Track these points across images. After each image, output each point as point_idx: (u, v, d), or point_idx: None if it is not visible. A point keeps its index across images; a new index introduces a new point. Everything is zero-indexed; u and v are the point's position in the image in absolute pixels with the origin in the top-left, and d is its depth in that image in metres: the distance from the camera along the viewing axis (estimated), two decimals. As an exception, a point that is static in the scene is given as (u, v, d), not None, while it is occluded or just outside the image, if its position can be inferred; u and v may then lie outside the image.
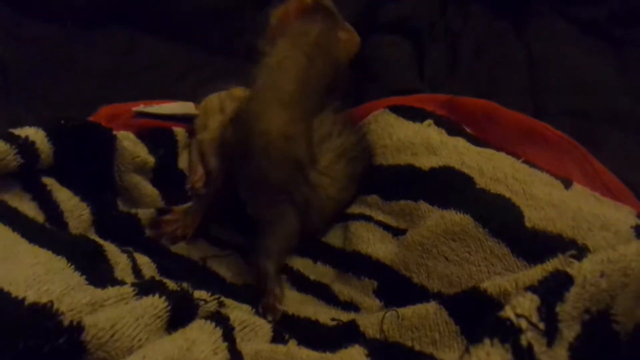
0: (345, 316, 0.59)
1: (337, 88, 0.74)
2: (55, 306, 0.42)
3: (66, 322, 0.42)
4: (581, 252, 0.44)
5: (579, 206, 0.56)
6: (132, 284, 0.51)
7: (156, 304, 0.47)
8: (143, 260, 0.67)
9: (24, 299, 0.42)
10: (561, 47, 1.15)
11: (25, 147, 0.62)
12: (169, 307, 0.48)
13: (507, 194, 0.61)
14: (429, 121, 0.78)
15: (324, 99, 0.73)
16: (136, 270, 0.65)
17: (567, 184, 0.65)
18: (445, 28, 1.22)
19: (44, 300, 0.42)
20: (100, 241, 0.65)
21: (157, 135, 0.82)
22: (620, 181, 0.73)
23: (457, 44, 1.18)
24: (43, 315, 0.41)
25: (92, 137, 0.72)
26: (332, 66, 0.71)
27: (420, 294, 0.58)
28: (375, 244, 0.67)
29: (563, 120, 0.92)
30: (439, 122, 0.78)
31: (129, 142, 0.75)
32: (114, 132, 0.74)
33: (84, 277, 0.50)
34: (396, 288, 0.62)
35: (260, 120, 0.65)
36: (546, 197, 0.59)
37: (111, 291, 0.48)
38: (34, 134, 0.63)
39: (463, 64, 1.13)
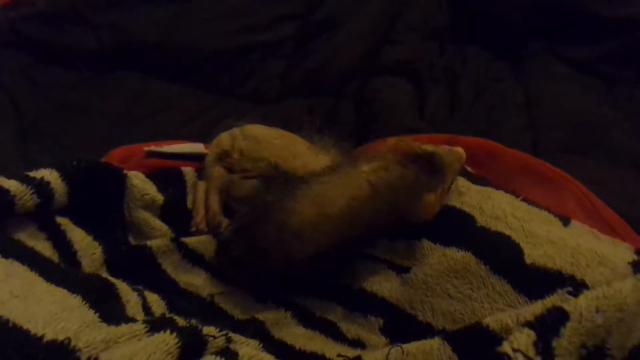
0: (351, 353, 0.60)
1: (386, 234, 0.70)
2: (73, 343, 0.44)
3: (84, 359, 0.43)
4: (578, 288, 0.45)
5: (578, 243, 0.58)
6: (144, 321, 0.53)
7: (167, 340, 0.49)
8: (153, 298, 0.68)
9: (42, 336, 0.44)
10: (558, 86, 1.18)
11: (41, 187, 0.64)
12: (179, 344, 0.50)
13: (507, 232, 0.62)
14: (431, 160, 0.80)
15: (371, 238, 0.69)
16: (146, 307, 0.66)
17: (565, 221, 0.67)
18: (444, 69, 1.27)
19: (61, 337, 0.44)
20: (112, 279, 0.67)
21: (166, 176, 0.85)
22: (620, 217, 0.75)
23: (456, 85, 1.21)
24: (61, 351, 0.43)
25: (104, 177, 0.75)
26: (394, 213, 0.66)
27: (425, 332, 0.59)
28: (380, 282, 0.68)
29: (561, 157, 0.94)
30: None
31: (138, 180, 0.77)
32: (125, 172, 0.77)
33: (98, 314, 0.52)
34: (402, 326, 0.63)
35: (285, 230, 0.62)
36: (545, 234, 0.61)
37: (124, 328, 0.49)
38: (49, 174, 0.66)
39: (462, 104, 1.16)
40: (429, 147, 0.66)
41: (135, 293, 0.67)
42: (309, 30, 1.25)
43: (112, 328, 0.48)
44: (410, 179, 0.64)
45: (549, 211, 0.68)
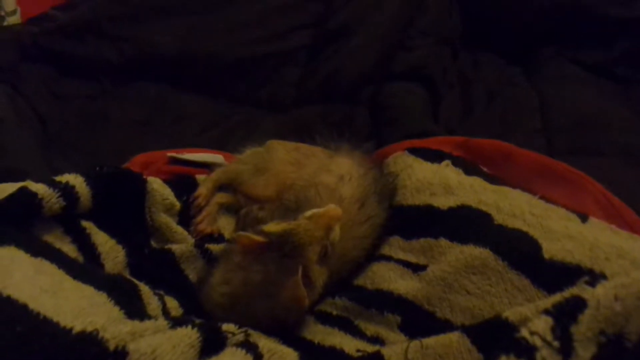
0: (370, 348, 0.61)
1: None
2: (101, 334, 0.45)
3: (112, 347, 0.45)
4: (595, 279, 0.46)
5: (596, 237, 0.58)
6: (166, 318, 0.54)
7: (190, 334, 0.50)
8: (173, 304, 0.70)
9: (71, 328, 0.45)
10: (571, 89, 1.19)
11: (67, 191, 0.66)
12: (200, 338, 0.51)
13: (525, 228, 0.63)
14: (446, 162, 0.81)
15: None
16: (165, 311, 0.68)
17: (583, 218, 0.67)
18: (458, 74, 1.28)
19: (89, 329, 0.45)
20: (135, 281, 0.68)
21: (182, 183, 0.86)
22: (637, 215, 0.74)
23: (469, 89, 1.22)
24: (90, 342, 0.45)
25: (125, 182, 0.76)
26: (268, 312, 0.62)
27: (444, 328, 0.59)
28: (396, 281, 0.69)
29: (576, 159, 0.94)
30: (456, 162, 0.81)
31: (158, 185, 0.79)
32: (145, 177, 0.78)
33: (123, 311, 0.54)
34: (420, 323, 0.63)
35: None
36: (563, 229, 0.61)
37: (148, 323, 0.51)
38: (74, 179, 0.68)
39: (476, 108, 1.17)
40: (275, 228, 0.61)
41: (156, 297, 0.68)
42: (323, 38, 1.28)
43: (137, 322, 0.50)
44: (255, 281, 0.61)
45: (567, 208, 0.68)
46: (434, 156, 0.83)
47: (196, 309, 0.70)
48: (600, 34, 1.28)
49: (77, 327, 0.45)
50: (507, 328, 0.46)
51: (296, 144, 0.87)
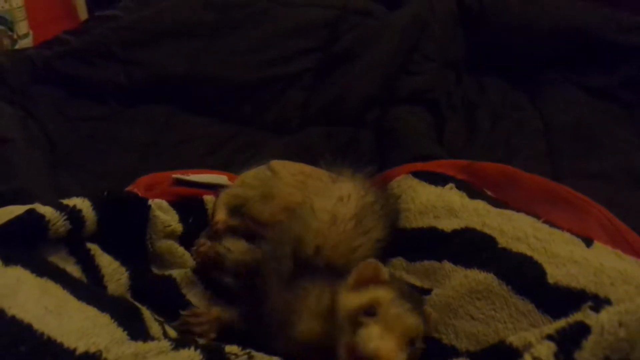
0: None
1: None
2: (104, 355, 0.45)
3: None
4: (599, 304, 0.45)
5: (601, 262, 0.58)
6: (169, 340, 0.54)
7: (192, 356, 0.50)
8: (173, 333, 0.69)
9: (75, 349, 0.46)
10: (575, 113, 1.19)
11: (73, 214, 0.67)
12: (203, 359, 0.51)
13: (529, 252, 0.62)
14: (450, 185, 0.81)
15: None
16: (166, 335, 0.67)
17: (588, 242, 0.66)
18: (462, 98, 1.28)
19: (92, 350, 0.46)
20: (137, 304, 0.68)
21: (189, 204, 0.87)
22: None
23: (474, 113, 1.23)
24: None
25: (130, 207, 0.77)
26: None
27: (450, 354, 0.58)
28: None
29: (581, 183, 0.94)
30: (460, 186, 0.81)
31: (160, 212, 0.80)
32: (149, 202, 0.79)
33: (126, 332, 0.54)
34: (427, 349, 0.62)
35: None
36: (568, 254, 0.61)
37: (152, 345, 0.51)
38: (81, 203, 0.69)
39: (480, 131, 1.17)
40: None
41: (157, 323, 0.68)
42: (329, 62, 1.30)
43: (140, 344, 0.50)
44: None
45: (572, 232, 0.67)
46: (438, 179, 0.83)
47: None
48: (605, 59, 1.29)
49: (81, 348, 0.46)
50: (511, 353, 0.46)
51: (300, 166, 0.88)
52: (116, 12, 1.46)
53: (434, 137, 1.14)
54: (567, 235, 0.67)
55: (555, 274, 0.57)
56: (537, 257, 0.61)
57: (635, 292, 0.52)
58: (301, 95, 1.28)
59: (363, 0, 1.38)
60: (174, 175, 0.90)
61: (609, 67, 1.28)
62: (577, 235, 0.68)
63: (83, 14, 2.14)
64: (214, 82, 1.29)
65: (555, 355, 0.39)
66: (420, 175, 0.85)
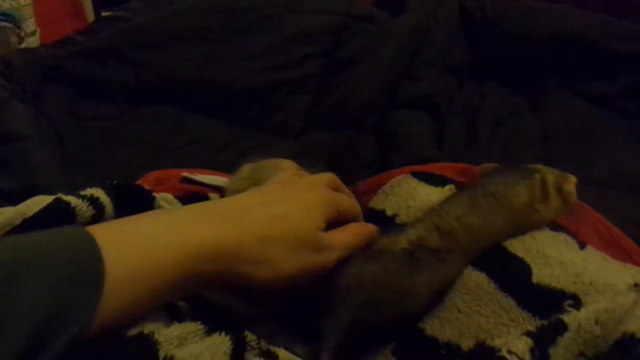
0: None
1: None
2: (155, 336, 0.47)
3: (161, 356, 0.46)
4: (579, 303, 0.48)
5: (585, 264, 0.60)
6: (201, 322, 0.55)
7: (224, 342, 0.51)
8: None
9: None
10: (574, 120, 1.21)
11: (93, 200, 0.70)
12: (232, 346, 0.52)
13: (521, 253, 0.65)
14: (450, 186, 0.83)
15: None
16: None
17: (582, 245, 0.68)
18: (463, 103, 1.31)
19: (146, 331, 0.47)
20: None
21: (194, 200, 0.89)
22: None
23: (474, 119, 1.25)
24: (145, 343, 0.46)
25: (136, 198, 0.79)
26: None
27: (431, 345, 0.60)
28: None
29: (579, 190, 0.96)
30: (460, 187, 0.83)
31: (165, 203, 0.82)
32: (154, 194, 0.82)
33: (165, 311, 0.55)
34: (411, 339, 0.64)
35: None
36: (557, 255, 0.63)
37: (190, 326, 0.52)
38: (96, 191, 0.72)
39: (480, 137, 1.20)
40: None
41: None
42: (333, 67, 1.32)
43: (182, 325, 0.51)
44: None
45: (568, 233, 0.69)
46: (438, 181, 0.85)
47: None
48: (604, 66, 1.31)
49: (131, 331, 0.48)
50: (491, 350, 0.48)
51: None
52: (125, 13, 1.49)
53: (434, 142, 1.16)
54: (562, 236, 0.69)
55: (540, 275, 0.59)
56: (528, 258, 0.63)
57: (615, 293, 0.54)
58: (305, 100, 1.30)
59: (366, 7, 1.41)
60: (183, 174, 0.93)
61: (609, 75, 1.30)
62: (573, 237, 0.69)
63: (90, 12, 2.14)
64: (222, 86, 1.32)
65: (531, 350, 0.41)
66: (420, 176, 0.87)
